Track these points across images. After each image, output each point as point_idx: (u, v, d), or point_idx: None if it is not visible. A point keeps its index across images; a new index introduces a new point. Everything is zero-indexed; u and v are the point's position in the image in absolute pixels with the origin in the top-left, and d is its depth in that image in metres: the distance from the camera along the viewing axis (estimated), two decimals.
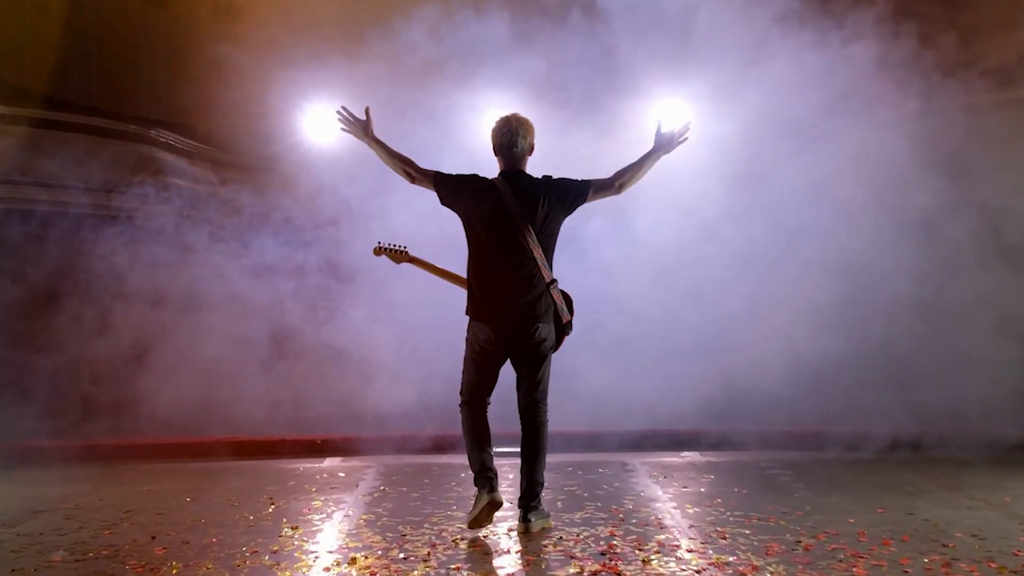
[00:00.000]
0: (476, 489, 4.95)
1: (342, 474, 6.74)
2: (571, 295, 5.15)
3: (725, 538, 4.78)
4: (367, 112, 5.08)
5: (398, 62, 8.06)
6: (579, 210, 5.04)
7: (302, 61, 8.22)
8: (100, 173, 9.18)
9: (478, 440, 4.93)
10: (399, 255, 5.65)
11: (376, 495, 5.97)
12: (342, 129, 5.14)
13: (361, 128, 5.07)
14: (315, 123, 8.31)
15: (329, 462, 7.29)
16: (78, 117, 9.53)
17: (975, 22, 8.08)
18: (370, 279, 8.24)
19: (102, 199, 9.16)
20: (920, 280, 7.45)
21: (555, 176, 4.99)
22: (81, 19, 10.05)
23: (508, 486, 5.94)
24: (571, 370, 7.39)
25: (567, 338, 5.09)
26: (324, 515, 5.43)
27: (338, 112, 5.12)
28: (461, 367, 5.07)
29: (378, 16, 8.10)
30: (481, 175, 4.99)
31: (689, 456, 7.33)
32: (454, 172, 5.06)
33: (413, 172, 5.00)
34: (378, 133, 5.14)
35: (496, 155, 5.01)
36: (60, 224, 8.74)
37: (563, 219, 4.98)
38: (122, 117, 9.90)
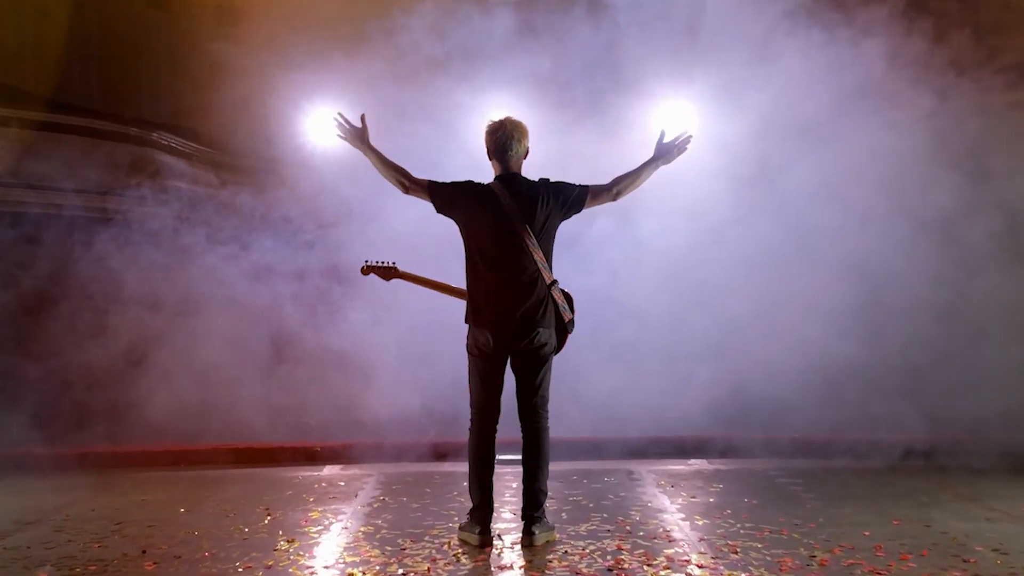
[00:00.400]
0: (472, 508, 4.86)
1: (341, 483, 6.58)
2: (574, 297, 5.03)
3: (736, 552, 4.61)
4: (363, 120, 4.96)
5: (400, 62, 7.95)
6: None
7: (304, 62, 8.11)
8: (100, 176, 9.11)
9: (481, 470, 4.82)
10: (388, 272, 5.53)
11: (376, 505, 5.81)
12: (338, 136, 5.02)
13: (357, 136, 4.96)
14: (317, 125, 8.16)
15: (328, 470, 7.13)
16: (79, 119, 9.46)
17: (991, 18, 7.90)
18: (372, 281, 8.05)
19: (103, 202, 9.08)
20: (936, 283, 7.28)
21: (553, 179, 4.87)
22: (82, 21, 9.99)
23: (511, 496, 5.81)
24: (576, 375, 7.28)
25: (570, 337, 4.97)
26: (321, 527, 5.27)
27: (335, 118, 5.00)
28: (466, 374, 4.92)
29: (380, 17, 7.98)
30: (476, 180, 4.88)
31: (696, 464, 7.16)
32: (454, 175, 4.96)
33: (407, 182, 4.89)
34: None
35: (490, 159, 4.91)
36: (57, 227, 8.63)
37: (560, 222, 4.88)
38: (123, 119, 9.85)
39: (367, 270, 5.56)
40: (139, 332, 8.19)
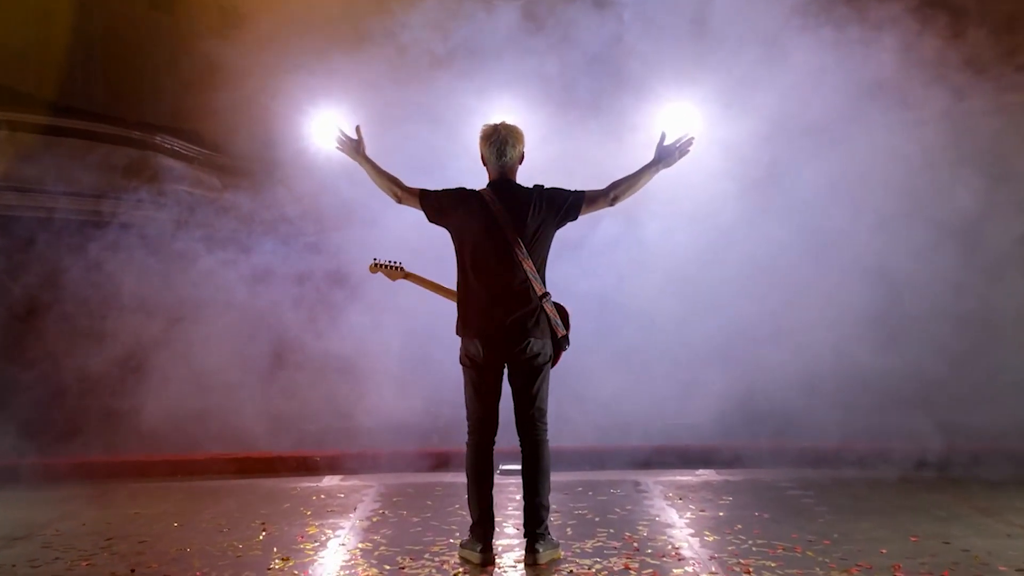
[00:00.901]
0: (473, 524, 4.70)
1: (341, 495, 6.42)
2: (573, 305, 4.91)
3: (749, 572, 4.43)
4: (358, 131, 4.86)
5: (403, 63, 7.84)
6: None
7: (307, 64, 8.00)
8: (101, 180, 9.00)
9: (479, 485, 4.67)
10: (394, 271, 5.45)
11: (375, 519, 5.64)
12: (337, 148, 4.92)
13: (353, 147, 4.86)
14: (320, 127, 8.03)
15: (328, 481, 6.98)
16: (82, 123, 9.37)
17: (1008, 15, 7.67)
18: (374, 285, 7.91)
19: (103, 206, 8.95)
20: (953, 288, 7.07)
21: (549, 184, 4.74)
22: (85, 24, 9.90)
23: (514, 509, 5.63)
24: (580, 381, 7.13)
25: (575, 342, 4.81)
26: (318, 543, 5.10)
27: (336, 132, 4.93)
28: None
29: (382, 18, 7.86)
30: (468, 187, 4.76)
31: (704, 474, 6.98)
32: (456, 176, 4.91)
33: (399, 191, 4.79)
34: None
35: (484, 165, 4.79)
36: (55, 232, 8.48)
37: (555, 231, 4.74)
38: (126, 123, 9.75)
39: (375, 268, 5.50)
40: (136, 338, 8.05)
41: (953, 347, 7.08)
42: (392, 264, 5.47)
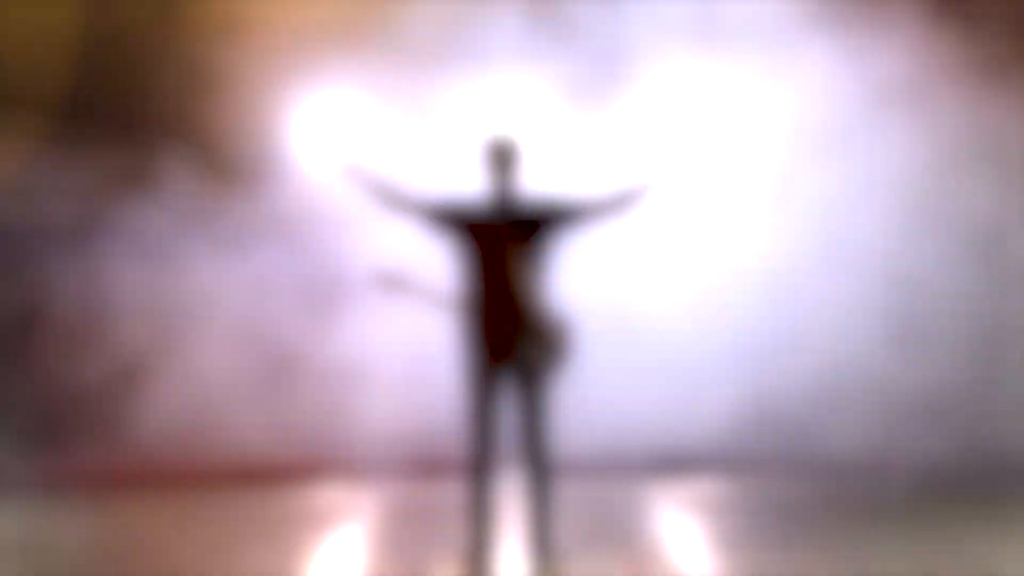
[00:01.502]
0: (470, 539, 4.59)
1: (334, 509, 6.34)
2: (582, 307, 4.81)
3: None
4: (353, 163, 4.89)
5: (406, 68, 7.85)
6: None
7: (311, 70, 7.95)
8: (102, 184, 8.92)
9: (480, 498, 4.57)
10: (398, 281, 5.33)
11: (369, 536, 5.55)
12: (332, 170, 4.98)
13: (349, 171, 4.87)
14: (324, 132, 7.96)
15: (322, 493, 6.92)
16: (85, 128, 9.32)
17: None
18: (375, 292, 7.84)
19: (104, 210, 8.89)
20: (971, 296, 6.99)
21: (551, 191, 4.70)
22: (92, 31, 9.87)
23: (515, 522, 5.46)
24: (584, 388, 6.99)
25: (579, 348, 4.72)
26: (311, 560, 4.99)
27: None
28: (467, 390, 4.68)
29: (385, 23, 7.86)
30: (467, 195, 4.70)
31: (713, 486, 6.89)
32: (450, 189, 4.81)
33: (398, 201, 4.76)
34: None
35: (484, 172, 4.71)
36: (58, 236, 8.42)
37: (556, 239, 4.67)
38: (130, 128, 9.70)
39: (378, 277, 5.38)
40: (132, 345, 7.94)
41: (974, 357, 7.00)
42: (395, 273, 5.39)
